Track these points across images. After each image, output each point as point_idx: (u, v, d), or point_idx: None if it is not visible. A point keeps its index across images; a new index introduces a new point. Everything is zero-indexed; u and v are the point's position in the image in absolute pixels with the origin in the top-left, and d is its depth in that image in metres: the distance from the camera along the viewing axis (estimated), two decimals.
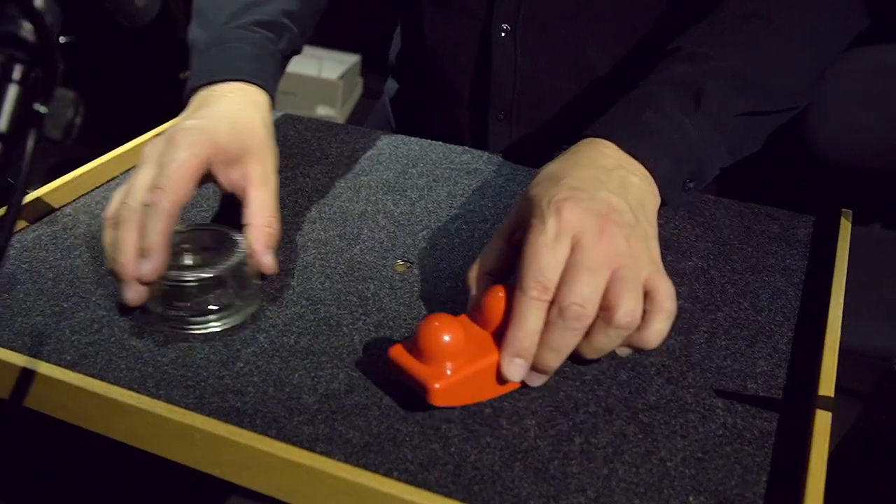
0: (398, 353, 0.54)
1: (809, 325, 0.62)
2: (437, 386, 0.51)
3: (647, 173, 0.61)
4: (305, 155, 0.86)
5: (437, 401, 0.51)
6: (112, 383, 0.54)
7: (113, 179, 0.80)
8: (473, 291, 0.59)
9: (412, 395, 0.53)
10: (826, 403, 0.52)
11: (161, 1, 0.41)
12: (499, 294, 0.54)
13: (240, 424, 0.51)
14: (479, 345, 0.53)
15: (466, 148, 0.88)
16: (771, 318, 0.63)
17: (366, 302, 0.63)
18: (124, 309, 0.61)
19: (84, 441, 0.56)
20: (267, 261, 0.63)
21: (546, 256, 0.52)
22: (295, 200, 0.77)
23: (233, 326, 0.60)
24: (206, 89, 0.70)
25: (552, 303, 0.52)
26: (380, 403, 0.54)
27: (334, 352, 0.58)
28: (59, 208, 0.75)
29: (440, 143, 0.89)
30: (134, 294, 0.59)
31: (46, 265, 0.67)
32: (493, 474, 0.49)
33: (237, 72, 0.71)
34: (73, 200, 0.76)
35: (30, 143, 0.37)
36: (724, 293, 0.65)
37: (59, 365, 0.56)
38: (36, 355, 0.57)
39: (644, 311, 0.53)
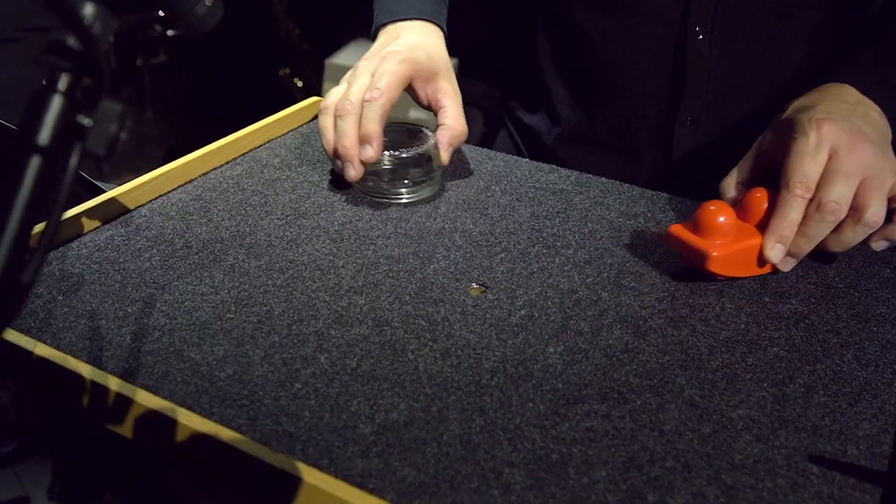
0: (677, 229, 0.65)
1: None
2: (714, 253, 0.62)
3: (882, 112, 0.70)
4: None
5: (714, 266, 0.63)
6: (164, 397, 0.52)
7: (190, 182, 0.79)
8: (728, 195, 0.71)
9: (684, 270, 0.66)
10: None
11: (222, 8, 0.39)
12: (757, 195, 0.66)
13: (291, 451, 0.49)
14: (744, 230, 0.65)
15: (554, 167, 0.84)
16: (878, 374, 0.57)
17: (435, 327, 0.60)
18: (338, 184, 0.77)
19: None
20: (446, 156, 0.79)
21: (809, 162, 0.63)
22: (371, 214, 0.75)
23: (419, 199, 0.77)
24: (394, 24, 0.84)
25: (811, 200, 0.63)
26: (440, 439, 0.50)
27: (396, 379, 0.55)
28: (135, 209, 0.74)
29: (526, 159, 0.86)
30: (354, 172, 0.74)
31: (116, 266, 0.66)
32: None
33: (420, 12, 0.85)
34: (150, 202, 0.75)
35: (73, 159, 0.34)
36: (825, 343, 0.60)
37: (115, 374, 0.54)
38: (94, 362, 0.55)
39: (894, 210, 0.64)
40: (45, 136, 0.32)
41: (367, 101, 0.74)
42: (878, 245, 0.66)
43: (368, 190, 0.77)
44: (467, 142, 0.92)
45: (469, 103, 1.12)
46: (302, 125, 0.93)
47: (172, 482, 0.58)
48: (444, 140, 0.79)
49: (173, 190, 0.78)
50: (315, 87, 2.84)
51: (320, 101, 0.96)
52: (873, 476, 0.48)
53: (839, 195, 0.62)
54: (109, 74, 0.33)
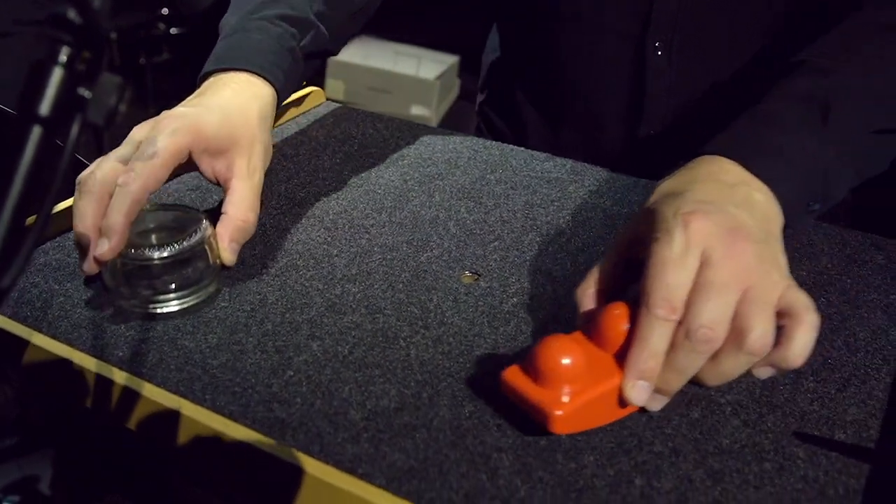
0: (513, 375, 0.50)
1: None
2: (558, 413, 0.47)
3: (770, 192, 0.57)
4: (382, 156, 0.84)
5: (558, 428, 0.48)
6: (158, 384, 0.53)
7: (187, 172, 0.79)
8: (584, 308, 0.55)
9: (526, 419, 0.50)
10: None
11: None
12: (616, 312, 0.51)
13: (282, 438, 0.49)
14: (598, 366, 0.50)
15: (549, 155, 0.84)
16: (868, 360, 0.57)
17: (427, 314, 0.60)
18: (88, 279, 0.62)
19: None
20: (227, 254, 0.63)
21: (674, 273, 0.49)
22: (366, 203, 0.75)
23: (190, 306, 0.60)
24: (215, 76, 0.70)
25: (679, 322, 0.48)
26: (429, 425, 0.51)
27: (388, 366, 0.55)
28: None
29: (522, 148, 0.86)
30: (88, 266, 0.59)
31: None
32: None
33: (247, 62, 0.70)
34: None
35: (74, 129, 0.35)
36: None
37: (110, 362, 0.55)
38: (89, 350, 0.56)
39: (782, 328, 0.49)
40: (45, 106, 0.33)
41: (118, 185, 0.59)
42: (762, 373, 0.50)
43: (123, 299, 0.60)
44: (465, 132, 0.92)
45: (471, 101, 1.13)
46: (297, 116, 0.94)
47: (173, 482, 0.58)
48: (225, 233, 0.63)
49: (170, 180, 0.78)
50: (318, 84, 2.86)
51: (318, 91, 0.97)
52: (860, 456, 0.49)
53: (713, 317, 0.47)
54: (109, 48, 0.34)
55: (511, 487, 0.47)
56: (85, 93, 0.35)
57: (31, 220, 0.33)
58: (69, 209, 0.70)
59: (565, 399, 0.48)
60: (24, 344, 0.56)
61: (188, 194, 0.76)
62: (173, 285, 0.60)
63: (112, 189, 0.59)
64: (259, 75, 0.70)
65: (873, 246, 0.70)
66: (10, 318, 0.58)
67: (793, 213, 0.58)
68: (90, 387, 0.54)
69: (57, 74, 0.34)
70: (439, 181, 0.79)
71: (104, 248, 0.57)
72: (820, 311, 0.61)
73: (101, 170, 0.60)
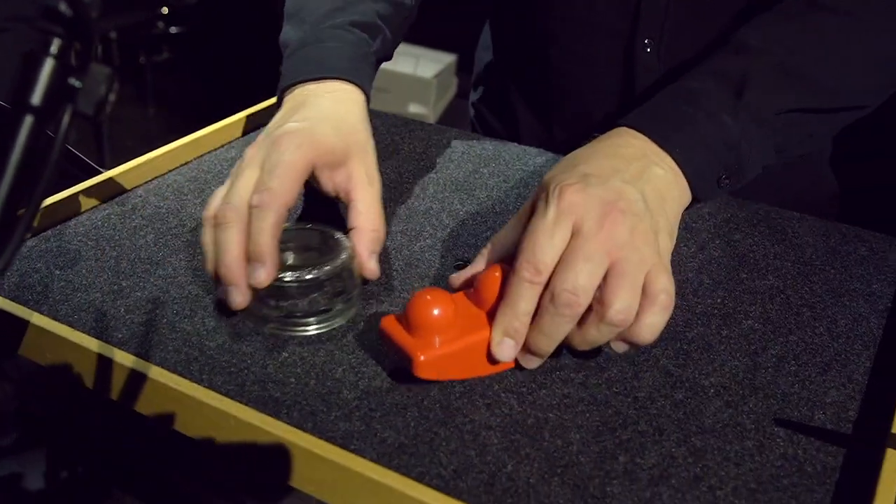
0: (389, 324, 0.54)
1: (891, 356, 0.58)
2: (422, 358, 0.51)
3: (676, 166, 0.59)
4: (378, 149, 0.85)
5: (423, 373, 0.51)
6: (156, 364, 0.54)
7: (186, 164, 0.81)
8: (472, 271, 0.58)
9: (401, 369, 0.53)
10: None
11: None
12: (495, 273, 0.54)
13: (276, 415, 0.51)
14: (472, 321, 0.54)
15: (541, 150, 0.86)
16: (849, 345, 0.59)
17: None
18: (223, 310, 0.59)
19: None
20: (371, 266, 0.61)
21: (542, 239, 0.52)
22: None
23: (330, 330, 0.58)
24: (301, 88, 0.68)
25: (546, 287, 0.51)
26: (420, 404, 0.52)
27: (381, 349, 0.57)
28: (132, 189, 0.76)
29: (514, 143, 0.87)
30: (242, 298, 0.57)
31: (112, 244, 0.68)
32: (529, 487, 0.47)
33: (335, 70, 0.69)
34: (146, 182, 0.77)
35: (65, 119, 0.36)
36: (799, 316, 0.61)
37: (110, 342, 0.56)
38: (89, 332, 0.57)
39: (640, 304, 0.51)
40: (37, 96, 0.34)
41: (254, 206, 0.57)
42: (618, 347, 0.53)
43: (261, 321, 0.58)
44: (461, 127, 0.94)
45: (468, 99, 1.14)
46: None
47: (173, 481, 0.59)
48: (363, 248, 0.61)
49: (169, 172, 0.79)
50: None
51: None
52: (838, 438, 0.50)
53: (576, 283, 0.50)
54: (98, 40, 0.35)
55: (499, 463, 0.48)
56: (75, 83, 0.37)
57: (20, 212, 0.34)
58: (65, 200, 0.71)
59: (433, 346, 0.51)
60: (23, 325, 0.57)
61: (186, 184, 0.77)
62: (317, 307, 0.58)
63: (248, 216, 0.57)
64: (349, 81, 0.69)
65: (857, 238, 0.72)
66: (10, 299, 0.60)
67: (703, 186, 0.60)
68: (89, 367, 0.55)
69: (48, 65, 0.36)
70: (433, 174, 0.81)
71: (260, 276, 0.55)
72: (803, 300, 0.63)
73: (236, 198, 0.58)
